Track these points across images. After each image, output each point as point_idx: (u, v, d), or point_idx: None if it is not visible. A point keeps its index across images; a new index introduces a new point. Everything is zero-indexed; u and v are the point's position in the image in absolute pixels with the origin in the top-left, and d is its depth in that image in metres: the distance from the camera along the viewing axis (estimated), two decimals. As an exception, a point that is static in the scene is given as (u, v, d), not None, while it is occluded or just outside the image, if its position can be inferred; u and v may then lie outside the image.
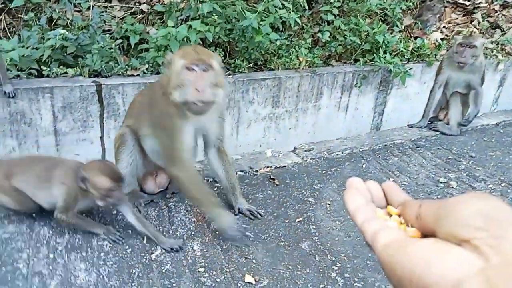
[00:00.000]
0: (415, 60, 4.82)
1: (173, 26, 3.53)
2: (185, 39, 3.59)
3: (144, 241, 2.45)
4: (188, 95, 2.23)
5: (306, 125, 4.75)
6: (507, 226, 0.54)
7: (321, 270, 2.38)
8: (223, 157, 2.80)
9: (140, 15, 4.14)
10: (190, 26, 3.71)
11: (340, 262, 2.46)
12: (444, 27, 5.08)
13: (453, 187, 3.31)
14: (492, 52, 4.89)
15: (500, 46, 5.01)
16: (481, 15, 5.18)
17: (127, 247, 2.38)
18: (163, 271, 2.25)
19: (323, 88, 4.63)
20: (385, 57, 4.55)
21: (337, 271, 2.38)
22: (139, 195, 2.81)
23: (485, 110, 5.00)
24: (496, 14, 5.23)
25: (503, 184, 3.43)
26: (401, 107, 5.10)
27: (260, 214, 2.80)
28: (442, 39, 4.96)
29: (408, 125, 4.59)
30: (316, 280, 2.30)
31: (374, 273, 2.39)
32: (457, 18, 5.13)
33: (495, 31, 5.19)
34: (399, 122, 4.85)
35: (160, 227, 2.59)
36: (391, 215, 0.71)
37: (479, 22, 5.14)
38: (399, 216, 0.70)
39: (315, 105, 4.67)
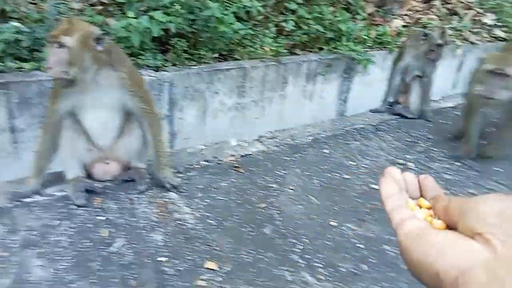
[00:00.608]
0: (377, 47, 4.92)
1: (134, 17, 3.48)
2: (147, 30, 3.55)
3: (105, 234, 2.43)
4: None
5: (273, 114, 4.79)
6: None
7: (283, 253, 2.43)
8: (151, 127, 2.88)
9: (100, 7, 4.05)
10: (152, 17, 3.66)
11: (301, 244, 2.52)
12: (405, 14, 5.20)
13: (411, 168, 3.43)
14: (450, 37, 5.05)
15: (458, 32, 5.17)
16: (440, 1, 5.32)
17: (85, 241, 2.36)
18: (124, 263, 2.25)
19: (289, 77, 4.68)
20: (348, 45, 4.62)
21: (298, 253, 2.44)
22: (81, 181, 2.77)
23: (444, 94, 5.17)
24: (454, 1, 5.39)
25: (458, 164, 3.57)
26: (364, 94, 5.20)
27: (183, 188, 2.92)
28: (403, 26, 5.08)
29: (369, 111, 4.70)
30: (277, 263, 2.35)
31: (333, 253, 2.46)
32: (417, 6, 5.25)
33: (452, 17, 5.35)
34: (363, 108, 4.95)
35: (121, 220, 2.58)
36: (421, 207, 0.74)
37: (438, 9, 5.28)
38: (429, 209, 0.74)
39: (281, 94, 4.71)
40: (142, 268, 2.22)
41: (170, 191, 2.91)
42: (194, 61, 4.28)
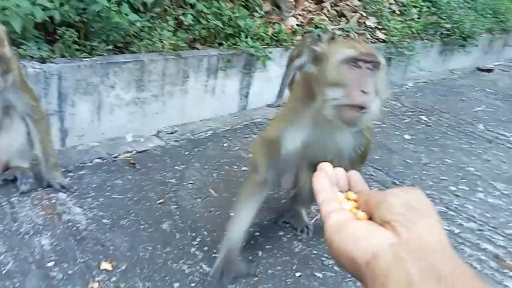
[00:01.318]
0: (274, 44, 5.16)
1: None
2: (30, 15, 3.24)
3: (-19, 243, 2.21)
4: None
5: (174, 109, 4.74)
6: (420, 213, 0.68)
7: (181, 247, 2.46)
8: (39, 125, 2.72)
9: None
10: (34, 1, 3.35)
11: (200, 236, 2.57)
12: (299, 14, 5.52)
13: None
14: (339, 38, 5.51)
15: (345, 32, 5.67)
16: (330, 4, 5.76)
17: (-44, 251, 2.12)
18: (3, 272, 2.06)
19: (189, 71, 4.67)
20: (247, 41, 4.77)
21: (196, 246, 2.49)
22: None
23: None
24: (342, 4, 5.88)
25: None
26: (264, 89, 5.43)
27: (73, 188, 2.80)
28: (297, 25, 5.39)
29: (266, 105, 4.93)
30: (176, 257, 2.37)
31: (231, 243, 2.56)
32: (310, 6, 5.62)
33: (341, 19, 5.84)
34: (263, 103, 5.17)
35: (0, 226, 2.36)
36: (349, 199, 0.83)
37: (328, 11, 5.72)
38: (356, 201, 0.82)
39: (181, 88, 4.68)
40: (26, 275, 2.07)
41: (59, 191, 2.73)
42: (86, 52, 4.04)
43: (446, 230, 2.89)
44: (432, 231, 0.67)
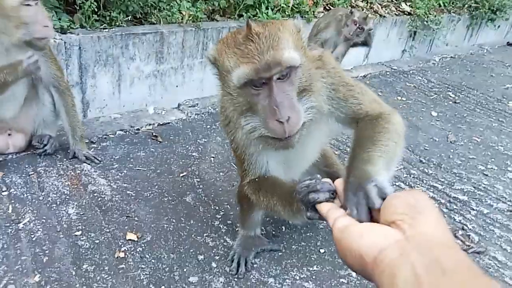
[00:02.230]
0: (295, 16, 5.00)
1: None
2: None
3: (10, 210, 2.23)
4: None
5: (194, 82, 4.68)
6: (422, 211, 0.75)
7: (204, 220, 2.45)
8: (65, 97, 2.70)
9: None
10: (53, -29, 3.29)
11: (223, 210, 2.56)
12: (321, -16, 5.30)
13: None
14: (362, 10, 5.30)
15: (369, 4, 5.45)
16: (354, -26, 5.52)
17: (-13, 219, 2.15)
18: (33, 239, 2.09)
19: (209, 44, 4.57)
20: (268, 12, 4.63)
21: (220, 219, 2.48)
22: None
23: (356, 63, 5.47)
24: (366, -27, 5.63)
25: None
26: (285, 62, 5.32)
27: (98, 159, 2.79)
28: (320, -3, 5.20)
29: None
30: (200, 230, 2.37)
31: (254, 217, 2.54)
32: (334, -23, 5.39)
33: (365, -10, 5.61)
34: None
35: (27, 195, 2.38)
36: None
37: (352, -19, 5.48)
38: None
39: (201, 61, 4.61)
40: (54, 243, 2.09)
41: (84, 162, 2.74)
42: (105, 23, 3.97)
43: (474, 210, 2.82)
44: (435, 227, 0.72)
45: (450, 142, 3.74)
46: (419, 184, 3.03)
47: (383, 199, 0.92)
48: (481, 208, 2.85)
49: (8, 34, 2.24)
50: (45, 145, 2.69)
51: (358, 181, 1.06)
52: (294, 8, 4.90)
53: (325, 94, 1.51)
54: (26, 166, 2.61)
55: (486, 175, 3.27)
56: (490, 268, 2.32)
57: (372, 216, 0.92)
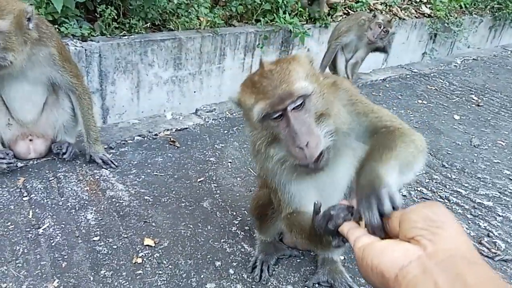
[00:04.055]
0: (313, 21, 4.97)
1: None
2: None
3: (30, 215, 2.26)
4: None
5: (211, 88, 4.70)
6: (442, 225, 0.73)
7: (222, 225, 2.44)
8: (81, 101, 2.75)
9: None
10: (74, -19, 3.36)
11: (240, 216, 2.54)
12: (339, -12, 5.27)
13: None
14: (381, 13, 5.23)
15: (388, 7, 5.37)
16: (372, -24, 5.46)
17: (9, 223, 2.18)
18: (53, 244, 2.11)
19: (226, 49, 4.59)
20: (285, 17, 4.61)
21: (237, 225, 2.46)
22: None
23: (375, 67, 5.39)
24: (385, -24, 5.56)
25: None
26: (302, 67, 5.29)
27: (115, 164, 2.81)
28: (337, 2, 5.16)
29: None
30: (217, 236, 2.35)
31: (271, 223, 2.51)
32: (351, -20, 5.35)
33: (384, -7, 5.54)
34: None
35: (47, 200, 2.41)
36: None
37: (370, -16, 5.42)
38: None
39: (219, 66, 4.63)
40: (73, 249, 2.11)
41: (102, 167, 2.77)
42: (125, 30, 4.03)
43: (500, 216, 2.71)
44: (456, 241, 0.71)
45: (474, 146, 3.62)
46: (441, 189, 2.94)
47: (393, 208, 0.97)
48: (508, 214, 2.74)
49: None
50: (64, 153, 2.74)
51: (369, 185, 1.09)
52: (311, 13, 4.88)
53: (343, 115, 1.52)
54: (47, 171, 2.66)
55: (513, 180, 3.16)
56: (519, 277, 2.22)
57: (386, 227, 0.92)
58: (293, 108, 1.38)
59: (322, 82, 1.48)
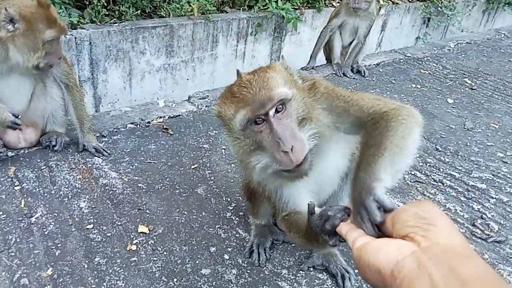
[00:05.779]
0: (306, 6, 4.92)
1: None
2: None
3: (22, 205, 2.25)
4: None
5: (204, 75, 4.66)
6: (432, 221, 0.76)
7: (216, 211, 2.43)
8: (72, 92, 2.74)
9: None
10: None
11: (235, 202, 2.53)
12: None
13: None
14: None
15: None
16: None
17: (0, 213, 2.17)
18: (46, 233, 2.10)
19: (219, 36, 4.54)
20: (277, 1, 4.56)
21: (232, 211, 2.45)
22: None
23: (369, 51, 5.35)
24: (379, -40, 5.49)
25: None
26: (295, 53, 5.24)
27: (107, 152, 2.80)
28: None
29: (301, 68, 4.75)
30: (212, 222, 2.35)
31: (266, 208, 2.51)
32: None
33: (377, -23, 5.47)
34: (295, 67, 4.99)
35: (39, 189, 2.39)
36: None
37: (364, -32, 5.35)
38: None
39: (211, 53, 4.58)
40: (66, 237, 2.10)
41: (94, 155, 2.75)
42: (115, 18, 3.97)
43: (494, 198, 2.73)
44: (449, 237, 0.73)
45: (467, 129, 3.63)
46: (435, 173, 2.95)
47: (385, 210, 1.00)
48: (501, 196, 2.76)
49: (27, 60, 2.38)
50: (54, 145, 2.70)
51: (359, 197, 1.13)
52: (304, -3, 4.82)
53: (325, 116, 1.52)
54: (38, 160, 2.63)
55: (506, 162, 3.17)
56: (511, 258, 2.24)
57: (381, 229, 0.95)
58: (276, 112, 1.40)
59: (301, 87, 1.51)
